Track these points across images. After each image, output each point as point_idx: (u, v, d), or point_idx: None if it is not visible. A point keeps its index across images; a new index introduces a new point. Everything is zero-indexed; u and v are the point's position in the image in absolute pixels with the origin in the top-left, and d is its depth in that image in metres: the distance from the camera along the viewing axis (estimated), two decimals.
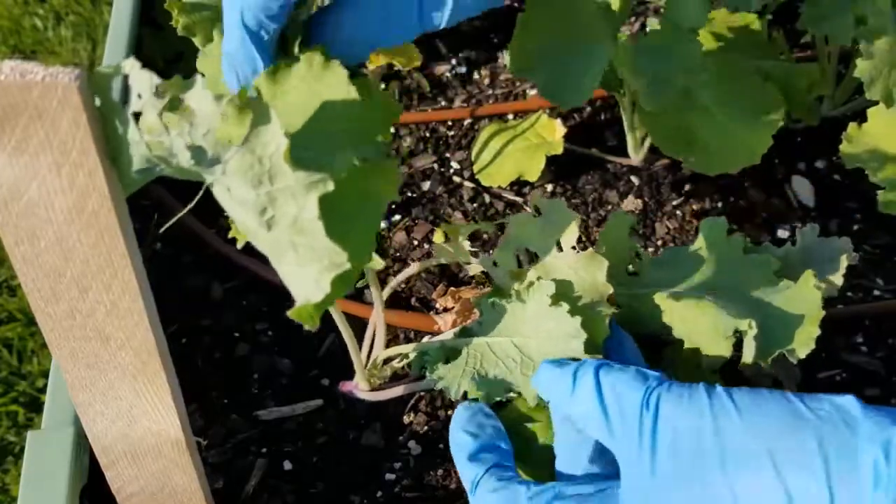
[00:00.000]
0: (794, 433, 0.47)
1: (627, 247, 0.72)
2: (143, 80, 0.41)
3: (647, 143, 0.96)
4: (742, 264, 0.69)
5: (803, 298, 0.63)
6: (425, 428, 0.78)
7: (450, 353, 0.67)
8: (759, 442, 0.48)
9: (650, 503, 0.51)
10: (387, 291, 0.79)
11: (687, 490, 0.49)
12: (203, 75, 0.52)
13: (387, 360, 0.78)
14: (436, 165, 1.01)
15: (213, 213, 0.95)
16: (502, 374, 0.63)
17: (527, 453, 0.63)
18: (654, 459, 0.51)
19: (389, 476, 0.76)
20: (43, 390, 1.21)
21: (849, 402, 0.48)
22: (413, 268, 0.80)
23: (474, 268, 0.76)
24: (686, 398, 0.51)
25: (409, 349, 0.72)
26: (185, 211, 0.81)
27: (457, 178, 0.99)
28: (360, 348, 0.77)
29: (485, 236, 0.93)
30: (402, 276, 0.81)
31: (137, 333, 0.51)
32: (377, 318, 0.76)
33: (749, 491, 0.47)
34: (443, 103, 1.09)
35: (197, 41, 0.85)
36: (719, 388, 0.51)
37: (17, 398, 1.21)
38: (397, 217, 0.96)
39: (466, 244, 0.75)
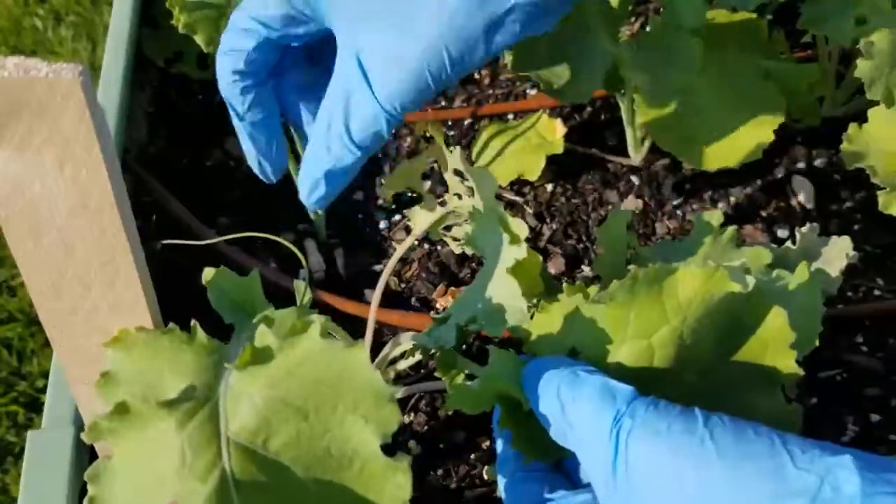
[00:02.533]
0: (780, 500, 0.42)
1: (626, 243, 0.72)
2: None
3: (647, 143, 0.96)
4: (735, 256, 0.70)
5: (802, 293, 0.63)
6: (425, 428, 0.78)
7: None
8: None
9: None
10: (380, 286, 0.79)
11: None
12: None
13: (391, 362, 0.78)
14: (436, 165, 1.01)
15: (213, 213, 0.95)
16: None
17: (530, 424, 0.57)
18: (627, 501, 0.47)
19: None
20: (43, 390, 1.21)
21: (844, 472, 0.42)
22: (395, 256, 0.80)
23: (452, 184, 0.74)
24: (663, 435, 0.46)
25: (408, 341, 0.71)
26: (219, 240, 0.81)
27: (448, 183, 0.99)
28: None
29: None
30: (388, 268, 0.80)
31: None
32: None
33: None
34: (443, 103, 1.09)
35: (198, 39, 0.85)
36: (701, 426, 0.46)
37: (17, 398, 1.21)
38: (397, 217, 0.96)
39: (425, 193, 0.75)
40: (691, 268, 0.52)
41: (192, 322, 0.52)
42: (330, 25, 0.61)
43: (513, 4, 0.58)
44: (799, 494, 0.42)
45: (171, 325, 0.52)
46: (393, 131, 0.65)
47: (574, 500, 0.53)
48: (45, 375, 1.20)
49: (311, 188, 0.64)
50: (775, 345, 0.54)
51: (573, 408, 0.50)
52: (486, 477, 0.74)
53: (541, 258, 0.61)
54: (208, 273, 0.57)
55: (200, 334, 0.52)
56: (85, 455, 0.70)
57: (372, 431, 0.46)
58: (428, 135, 0.72)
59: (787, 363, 0.54)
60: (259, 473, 0.45)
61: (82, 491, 0.69)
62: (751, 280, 0.53)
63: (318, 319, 0.49)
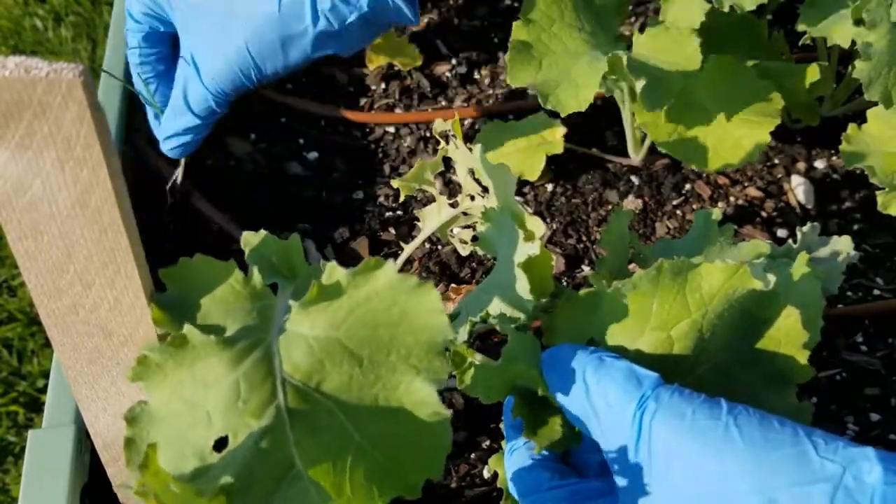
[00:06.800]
0: (802, 486, 0.43)
1: (627, 243, 0.73)
2: None
3: (647, 143, 0.96)
4: (733, 253, 0.70)
5: (802, 286, 0.63)
6: None
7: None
8: (764, 492, 0.43)
9: None
10: None
11: None
12: None
13: None
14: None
15: (215, 207, 0.95)
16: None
17: (543, 413, 0.58)
18: (648, 485, 0.48)
19: None
20: (43, 390, 1.21)
21: (866, 463, 0.42)
22: (403, 256, 0.80)
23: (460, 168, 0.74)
24: (688, 420, 0.46)
25: None
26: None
27: (457, 178, 0.99)
28: None
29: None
30: (399, 261, 0.81)
31: (140, 330, 0.51)
32: None
33: None
34: (443, 103, 1.09)
35: None
36: (725, 412, 0.46)
37: (17, 398, 1.21)
38: (399, 212, 0.96)
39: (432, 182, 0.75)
40: (716, 262, 0.52)
41: (252, 267, 0.53)
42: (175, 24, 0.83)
43: (304, 28, 0.76)
44: (822, 481, 0.42)
45: (231, 261, 0.53)
46: (227, 103, 0.84)
47: (585, 487, 0.54)
48: (45, 375, 1.21)
49: (168, 143, 0.88)
50: (788, 343, 0.54)
51: (597, 391, 0.50)
52: (486, 476, 0.74)
53: (553, 256, 0.62)
54: (248, 236, 0.57)
55: (256, 278, 0.52)
56: (86, 454, 0.70)
57: (420, 382, 0.46)
58: (440, 135, 0.72)
59: (800, 362, 0.54)
60: (312, 414, 0.46)
61: (83, 491, 0.69)
62: (771, 278, 0.54)
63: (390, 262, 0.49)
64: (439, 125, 0.71)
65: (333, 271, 0.48)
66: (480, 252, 0.64)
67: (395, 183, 0.78)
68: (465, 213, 0.74)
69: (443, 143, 0.72)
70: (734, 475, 0.44)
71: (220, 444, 0.45)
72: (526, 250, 0.59)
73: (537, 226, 0.61)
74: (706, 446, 0.45)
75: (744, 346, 0.55)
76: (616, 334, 0.55)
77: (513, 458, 0.58)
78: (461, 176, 0.71)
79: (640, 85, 0.78)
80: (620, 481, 0.50)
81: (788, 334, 0.54)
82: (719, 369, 0.55)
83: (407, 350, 0.46)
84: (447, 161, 0.97)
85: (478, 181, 0.70)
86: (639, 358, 0.54)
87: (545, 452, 0.57)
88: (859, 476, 0.42)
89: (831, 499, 0.42)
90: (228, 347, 0.47)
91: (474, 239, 0.77)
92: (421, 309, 0.47)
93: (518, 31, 0.81)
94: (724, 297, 0.53)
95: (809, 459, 0.43)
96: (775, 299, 0.54)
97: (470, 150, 0.68)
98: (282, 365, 0.47)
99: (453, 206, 0.74)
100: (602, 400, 0.50)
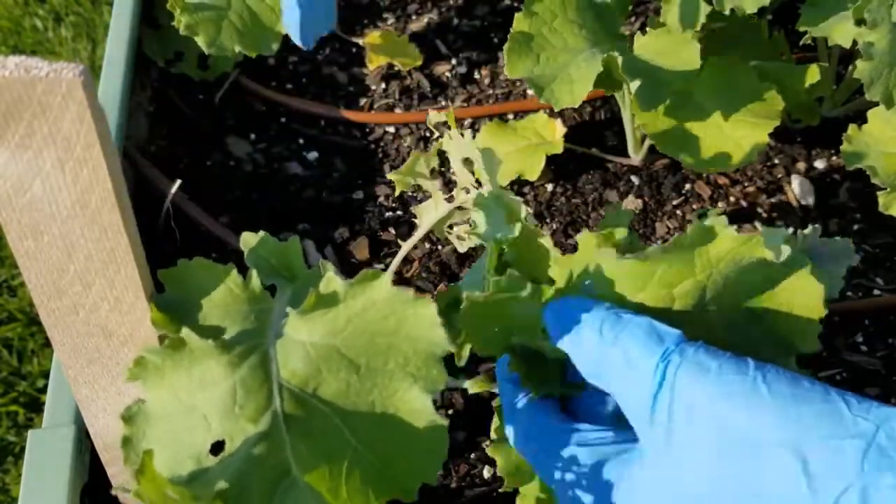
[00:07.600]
0: (834, 440, 0.42)
1: (626, 242, 0.72)
2: None
3: (647, 143, 0.96)
4: None
5: (801, 292, 0.63)
6: None
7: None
8: (792, 445, 0.42)
9: (662, 476, 0.47)
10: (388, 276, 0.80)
11: (702, 471, 0.45)
12: None
13: None
14: (436, 165, 1.01)
15: (213, 212, 0.95)
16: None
17: (539, 367, 0.57)
18: (669, 436, 0.46)
19: None
20: (43, 390, 1.21)
21: None
22: (400, 254, 0.80)
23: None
24: (712, 374, 0.45)
25: None
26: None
27: (454, 177, 0.99)
28: None
29: None
30: (393, 266, 0.81)
31: (141, 330, 0.51)
32: None
33: (772, 489, 0.43)
34: (443, 103, 1.09)
35: (199, 41, 0.85)
36: (753, 368, 0.45)
37: (17, 398, 1.21)
38: (399, 213, 0.96)
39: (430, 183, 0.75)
40: (729, 230, 0.52)
41: (251, 269, 0.53)
42: None
43: None
44: (855, 437, 0.42)
45: (230, 264, 0.53)
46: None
47: (600, 435, 0.53)
48: (45, 375, 1.20)
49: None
50: (799, 308, 0.54)
51: (616, 345, 0.49)
52: (486, 476, 0.74)
53: (542, 233, 0.62)
54: (247, 237, 0.57)
55: (255, 281, 0.52)
56: (86, 454, 0.70)
57: (418, 390, 0.46)
58: (435, 127, 0.73)
59: (806, 333, 0.54)
60: (308, 419, 0.46)
61: (83, 491, 0.69)
62: (786, 249, 0.53)
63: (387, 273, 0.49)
64: (434, 116, 0.71)
65: (331, 281, 0.48)
66: (476, 242, 0.64)
67: (390, 175, 0.79)
68: (461, 208, 0.74)
69: (437, 135, 0.73)
70: (762, 428, 0.43)
71: (217, 447, 0.45)
72: (508, 231, 0.59)
73: (519, 207, 0.61)
74: (732, 399, 0.44)
75: (747, 315, 0.54)
76: (617, 288, 0.54)
77: (516, 412, 0.57)
78: (456, 168, 0.72)
79: (634, 85, 0.78)
80: (640, 433, 0.49)
81: (797, 302, 0.53)
82: (720, 336, 0.55)
83: (405, 358, 0.47)
84: (444, 159, 0.97)
85: (472, 173, 0.71)
86: (641, 310, 0.53)
87: (545, 398, 0.56)
88: (893, 434, 0.41)
89: (864, 454, 0.41)
90: (226, 351, 0.47)
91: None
92: (419, 320, 0.47)
93: (520, 22, 0.81)
94: (732, 262, 0.52)
95: (842, 416, 0.43)
96: (784, 270, 0.53)
97: (462, 135, 0.69)
98: (279, 370, 0.47)
99: (449, 200, 0.74)
100: (621, 354, 0.49)
